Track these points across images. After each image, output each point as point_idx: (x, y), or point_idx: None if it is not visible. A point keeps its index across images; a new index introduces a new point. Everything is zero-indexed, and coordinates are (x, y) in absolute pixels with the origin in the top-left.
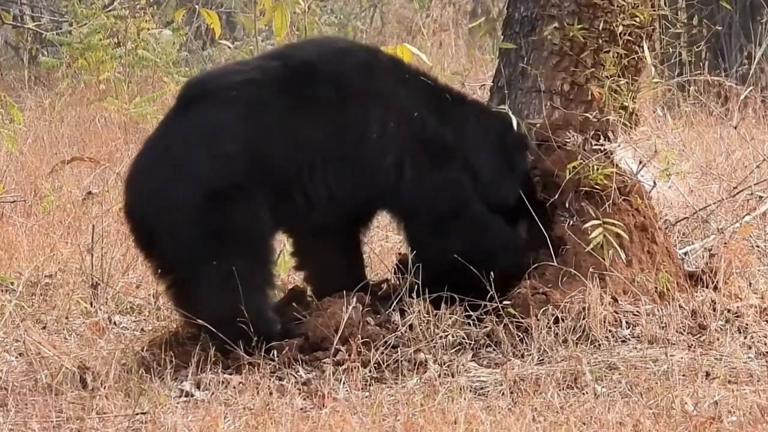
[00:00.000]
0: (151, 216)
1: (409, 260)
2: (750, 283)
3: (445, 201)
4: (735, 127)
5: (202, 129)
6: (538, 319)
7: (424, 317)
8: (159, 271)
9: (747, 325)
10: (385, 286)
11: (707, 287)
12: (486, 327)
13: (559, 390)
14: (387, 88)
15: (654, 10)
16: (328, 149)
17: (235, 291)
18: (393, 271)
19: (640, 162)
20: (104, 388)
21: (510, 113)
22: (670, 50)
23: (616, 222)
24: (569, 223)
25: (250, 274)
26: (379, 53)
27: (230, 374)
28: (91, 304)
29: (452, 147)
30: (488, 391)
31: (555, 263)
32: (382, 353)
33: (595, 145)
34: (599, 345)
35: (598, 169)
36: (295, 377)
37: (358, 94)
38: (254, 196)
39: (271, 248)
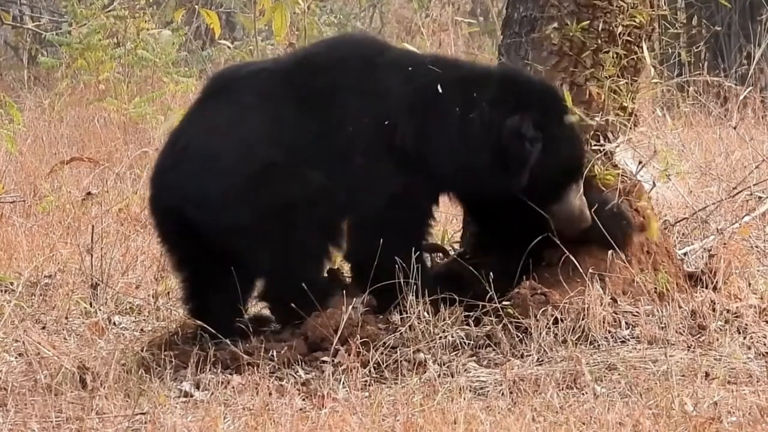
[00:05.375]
0: (178, 207)
1: (412, 261)
2: (749, 284)
3: (394, 210)
4: (734, 128)
5: (222, 120)
6: (537, 320)
7: (424, 317)
8: (179, 263)
9: (746, 325)
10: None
11: (707, 288)
12: (485, 327)
13: (559, 390)
14: (374, 84)
15: (653, 11)
16: (319, 140)
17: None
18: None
19: (640, 162)
20: (104, 389)
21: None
22: (670, 50)
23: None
24: None
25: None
26: (387, 49)
27: (230, 374)
28: (91, 304)
29: (418, 154)
30: (488, 391)
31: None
32: (382, 353)
33: (595, 145)
34: (599, 345)
35: (600, 170)
36: (295, 377)
37: (345, 88)
38: (284, 174)
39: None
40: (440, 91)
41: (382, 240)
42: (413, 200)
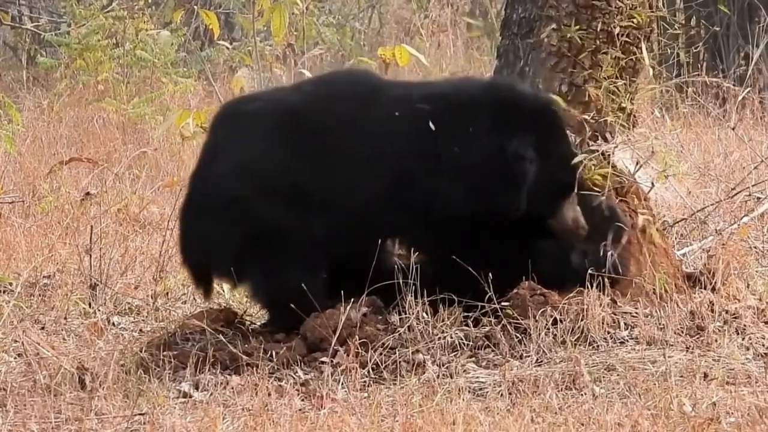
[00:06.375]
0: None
1: (411, 261)
2: (748, 285)
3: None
4: (733, 128)
5: (211, 154)
6: (536, 320)
7: (423, 318)
8: None
9: (745, 326)
10: None
11: (705, 288)
12: (484, 328)
13: (558, 391)
14: (374, 135)
15: (652, 12)
16: (311, 189)
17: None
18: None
19: (638, 163)
20: (103, 389)
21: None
22: (668, 51)
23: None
24: None
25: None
26: (381, 90)
27: (229, 375)
28: (90, 304)
29: (424, 200)
30: (487, 392)
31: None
32: (381, 354)
33: (593, 146)
34: (597, 346)
35: (594, 169)
36: (294, 378)
37: (343, 140)
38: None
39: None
40: (433, 129)
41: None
42: (420, 233)
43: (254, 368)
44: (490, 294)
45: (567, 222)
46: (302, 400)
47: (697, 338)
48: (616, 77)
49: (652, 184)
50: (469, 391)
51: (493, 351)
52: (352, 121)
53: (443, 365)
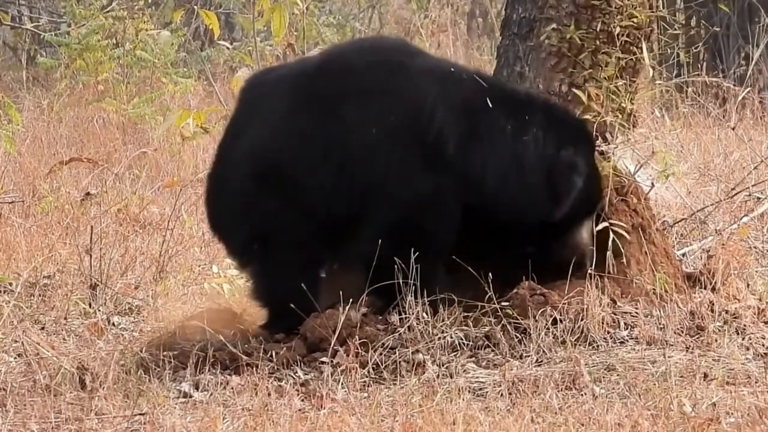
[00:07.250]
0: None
1: (412, 260)
2: (748, 284)
3: (415, 214)
4: (733, 128)
5: (233, 131)
6: (536, 320)
7: (423, 318)
8: None
9: (745, 326)
10: None
11: (705, 288)
12: (484, 328)
13: (558, 391)
14: (405, 85)
15: (652, 12)
16: (326, 144)
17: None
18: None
19: (638, 163)
20: (103, 389)
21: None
22: (668, 51)
23: (619, 223)
24: None
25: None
26: (417, 56)
27: (229, 375)
28: (90, 304)
29: (459, 161)
30: (487, 392)
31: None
32: (381, 354)
33: None
34: (597, 346)
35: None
36: (294, 378)
37: (362, 91)
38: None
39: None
40: (490, 105)
41: (406, 244)
42: (442, 203)
43: (254, 368)
44: (490, 294)
45: (581, 241)
46: (302, 400)
47: (697, 338)
48: (617, 77)
49: (652, 184)
50: (469, 391)
51: (493, 351)
52: (389, 76)
53: (443, 365)
